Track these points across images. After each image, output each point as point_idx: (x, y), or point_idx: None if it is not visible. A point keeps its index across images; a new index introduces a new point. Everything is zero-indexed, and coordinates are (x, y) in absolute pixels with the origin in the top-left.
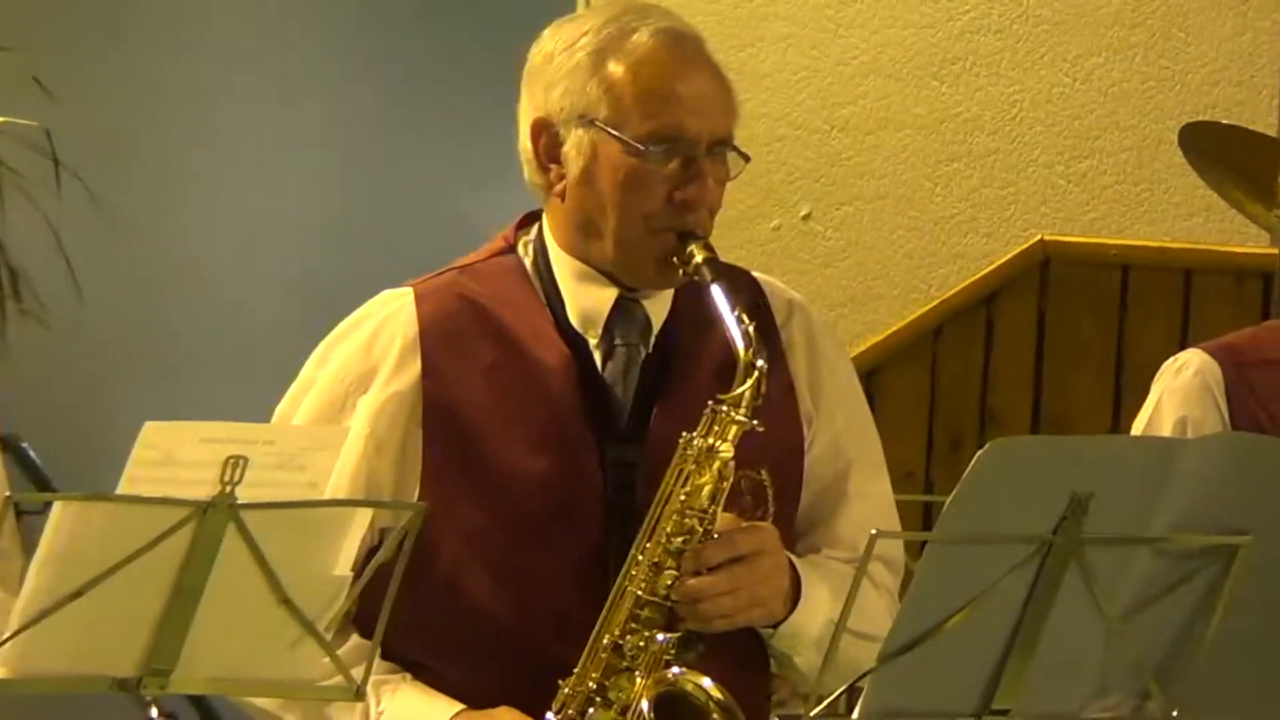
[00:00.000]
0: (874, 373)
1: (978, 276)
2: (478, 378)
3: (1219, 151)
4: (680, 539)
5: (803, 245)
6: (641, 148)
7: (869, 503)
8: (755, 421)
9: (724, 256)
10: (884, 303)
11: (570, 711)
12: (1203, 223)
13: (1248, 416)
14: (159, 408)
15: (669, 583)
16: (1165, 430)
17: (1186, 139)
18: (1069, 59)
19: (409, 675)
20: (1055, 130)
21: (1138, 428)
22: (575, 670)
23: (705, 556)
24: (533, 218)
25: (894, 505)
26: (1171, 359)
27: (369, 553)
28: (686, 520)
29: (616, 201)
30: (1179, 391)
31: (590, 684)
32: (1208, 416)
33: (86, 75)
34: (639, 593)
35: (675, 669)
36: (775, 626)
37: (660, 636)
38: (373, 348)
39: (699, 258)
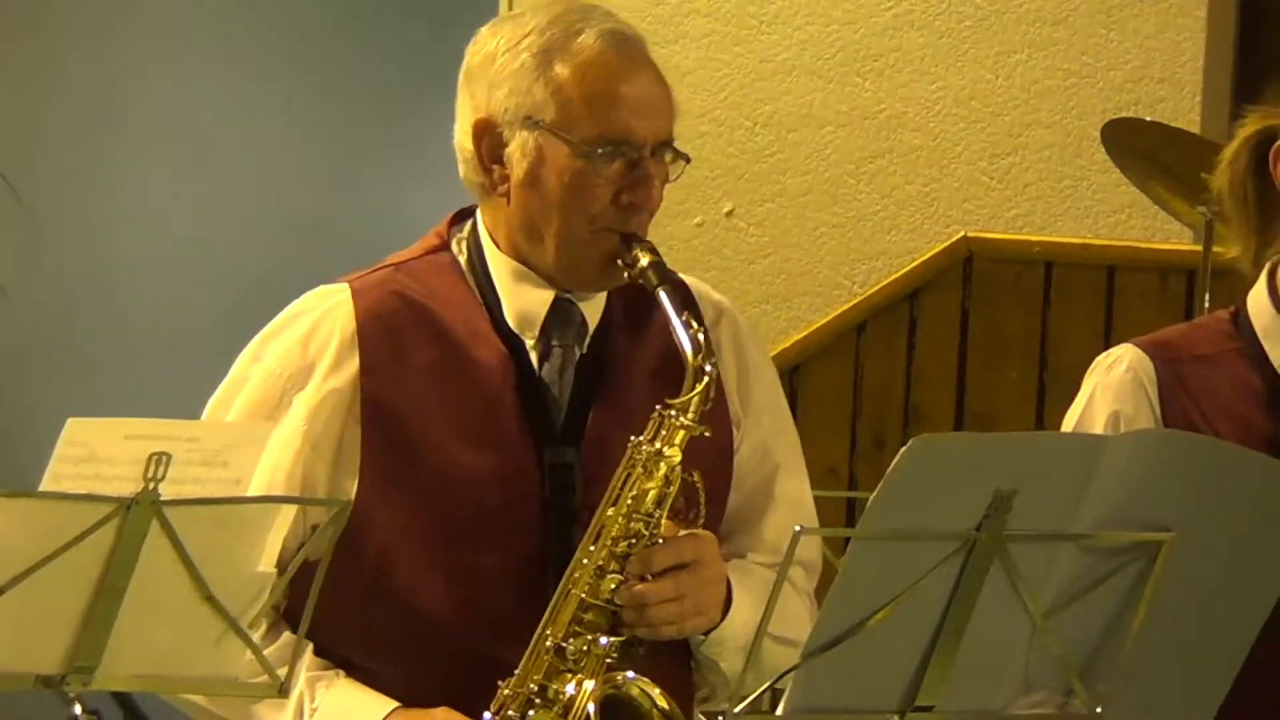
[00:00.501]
0: (797, 369)
1: (901, 273)
2: (416, 375)
3: (1142, 148)
4: (626, 543)
5: (725, 242)
6: (588, 150)
7: (794, 506)
8: (704, 427)
9: None
10: (807, 299)
11: (510, 712)
12: (1126, 220)
13: (1180, 413)
14: (82, 404)
15: (613, 586)
16: (1098, 426)
17: (1110, 136)
18: (992, 56)
19: (343, 672)
20: (978, 127)
21: (1069, 423)
22: (516, 671)
23: (651, 561)
24: (465, 214)
25: (814, 508)
26: (1104, 354)
27: (298, 549)
28: (632, 524)
29: (562, 203)
30: (1112, 387)
31: (532, 685)
32: (1140, 412)
33: (5, 71)
34: (583, 596)
35: (629, 674)
36: (706, 633)
37: (603, 640)
38: (309, 344)
39: (644, 261)
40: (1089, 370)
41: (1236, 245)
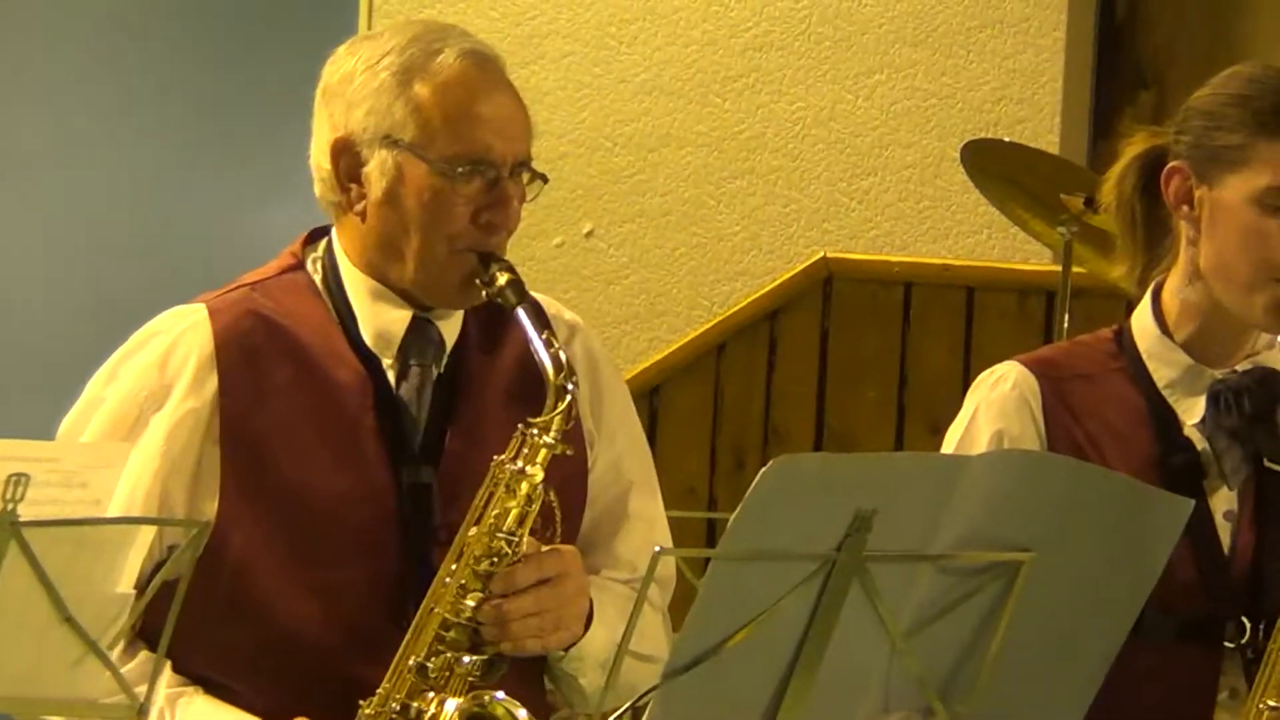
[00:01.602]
0: (657, 389)
1: (761, 293)
2: (274, 396)
3: (1001, 169)
4: (488, 562)
5: (585, 262)
6: (448, 169)
7: (648, 523)
8: (566, 445)
9: None
10: (667, 320)
11: None
12: (985, 240)
13: (1064, 432)
14: None
15: (475, 604)
16: (981, 443)
17: (969, 157)
18: (851, 76)
19: (201, 689)
20: (838, 148)
21: (951, 441)
22: (378, 690)
23: (514, 579)
24: (319, 233)
25: (668, 526)
26: (988, 371)
27: (156, 569)
28: (495, 543)
29: (420, 222)
30: (996, 404)
31: (394, 704)
32: (1024, 431)
33: None
34: (445, 614)
35: (498, 694)
36: (567, 649)
37: (466, 658)
38: (167, 364)
39: (502, 280)
40: (972, 387)
41: (1122, 265)
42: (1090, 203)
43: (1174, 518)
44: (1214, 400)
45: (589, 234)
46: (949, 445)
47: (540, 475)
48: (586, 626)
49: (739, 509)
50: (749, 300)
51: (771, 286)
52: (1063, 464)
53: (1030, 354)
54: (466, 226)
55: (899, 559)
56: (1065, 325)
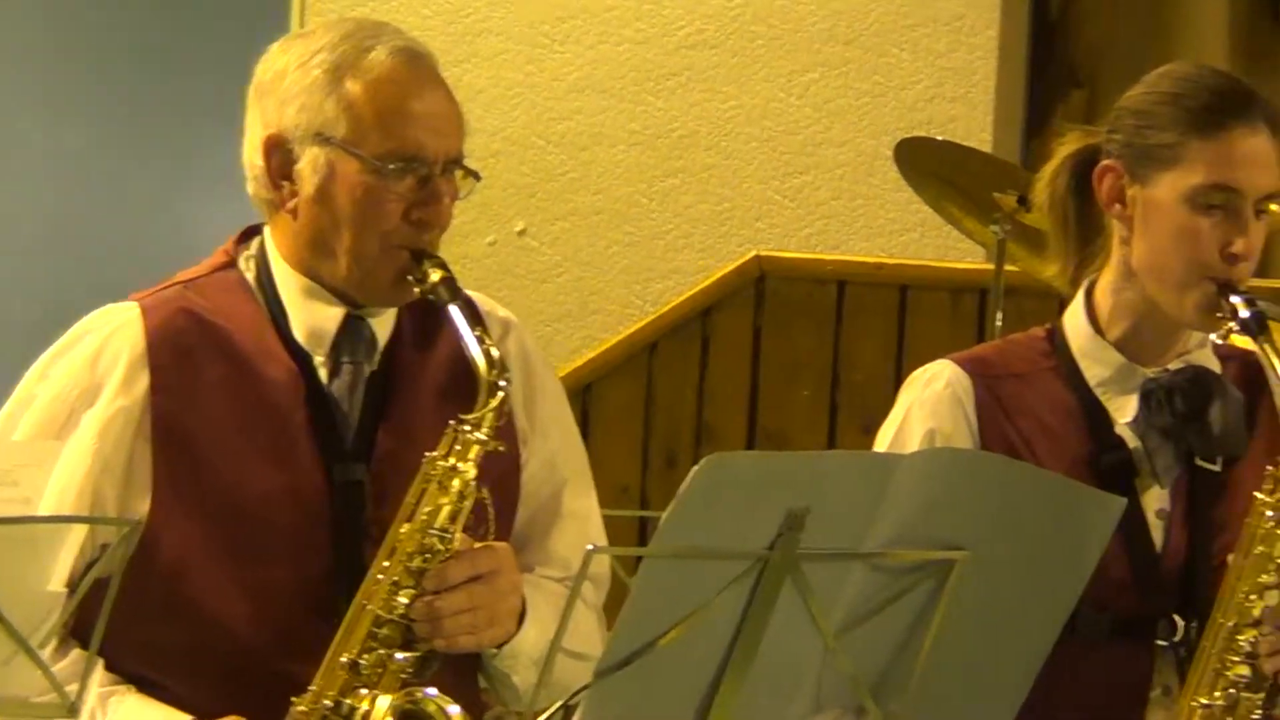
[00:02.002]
0: (589, 387)
1: (693, 292)
2: (206, 393)
3: (934, 167)
4: (420, 558)
5: (518, 260)
6: (379, 166)
7: (582, 521)
8: (498, 442)
9: None
10: (600, 318)
11: None
12: (918, 239)
13: (996, 430)
14: None
15: (407, 601)
16: (914, 442)
17: (902, 155)
18: (784, 74)
19: (134, 687)
20: (771, 146)
21: (884, 439)
22: (310, 687)
23: (446, 575)
24: (252, 232)
25: (602, 523)
26: (921, 369)
27: (88, 567)
28: (427, 540)
29: (352, 219)
30: (928, 403)
31: (326, 701)
32: (957, 429)
33: None
34: (378, 611)
35: (429, 690)
36: (500, 646)
37: (399, 655)
38: (98, 363)
39: (435, 277)
40: (905, 385)
41: (1054, 264)
42: (1023, 201)
43: (1106, 516)
44: (1146, 399)
45: (521, 232)
46: (881, 444)
47: (472, 472)
48: (519, 624)
49: (671, 507)
50: (682, 298)
51: (704, 285)
52: (995, 462)
53: (963, 353)
54: (398, 224)
55: (831, 557)
56: (998, 324)
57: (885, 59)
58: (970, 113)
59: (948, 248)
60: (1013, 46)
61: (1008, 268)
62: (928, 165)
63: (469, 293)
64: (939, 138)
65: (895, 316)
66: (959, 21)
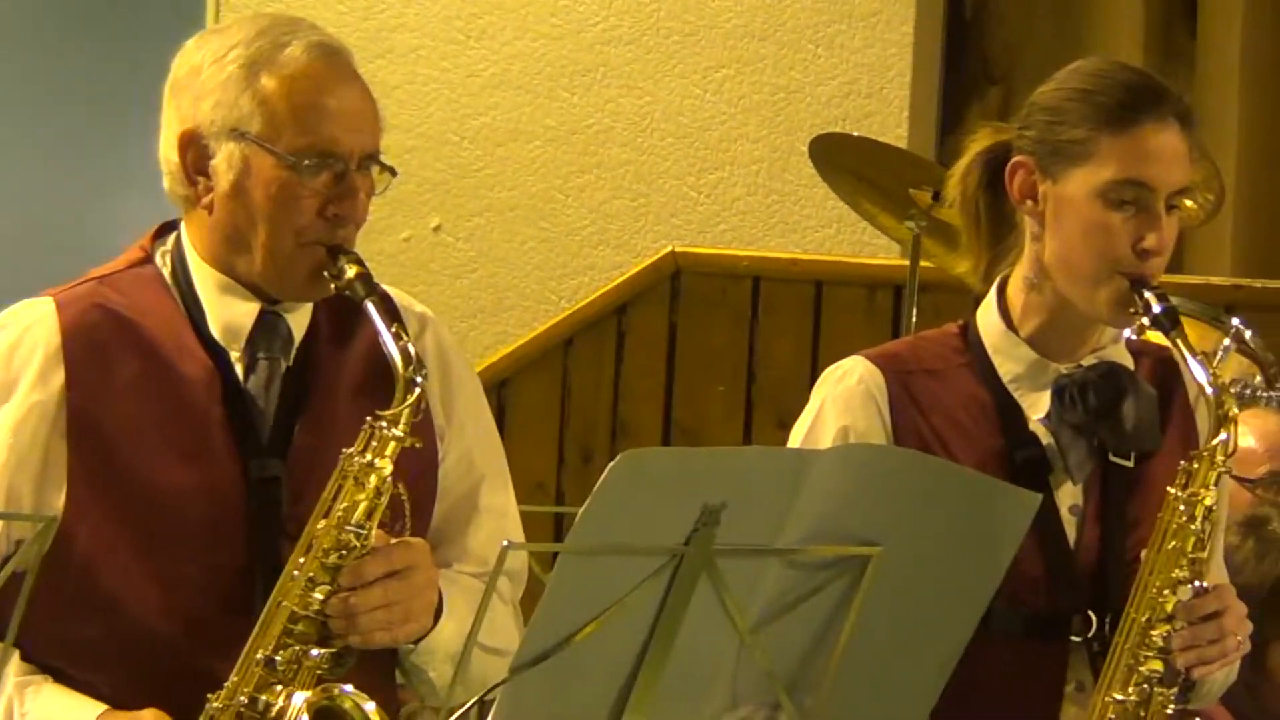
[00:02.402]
0: (505, 384)
1: (609, 287)
2: (121, 389)
3: (849, 163)
4: (336, 554)
5: (434, 257)
6: (294, 161)
7: (499, 517)
8: (415, 438)
9: None
10: (515, 314)
11: None
12: (834, 235)
13: (910, 426)
14: None
15: (323, 598)
16: (827, 438)
17: (817, 151)
18: (699, 71)
19: (50, 678)
20: (686, 142)
21: (797, 435)
22: (226, 684)
23: (362, 571)
24: (169, 227)
25: (519, 519)
26: (834, 366)
27: (3, 562)
28: (343, 536)
29: (267, 215)
30: (842, 399)
31: (242, 698)
32: (870, 425)
33: None
34: (293, 608)
35: (345, 687)
36: (416, 642)
37: (314, 651)
38: (13, 358)
39: (351, 273)
40: (819, 381)
41: (967, 261)
42: (939, 197)
43: (1022, 512)
44: (1059, 395)
45: (437, 228)
46: (795, 440)
47: (389, 468)
48: (436, 620)
49: (587, 503)
50: (597, 294)
51: (619, 281)
52: (911, 459)
53: (876, 349)
54: (314, 219)
55: (747, 553)
56: (913, 320)
57: (800, 55)
58: (885, 109)
59: (863, 244)
60: (928, 43)
61: (923, 263)
62: (843, 161)
63: (386, 288)
64: (854, 134)
65: (810, 312)
66: (874, 18)
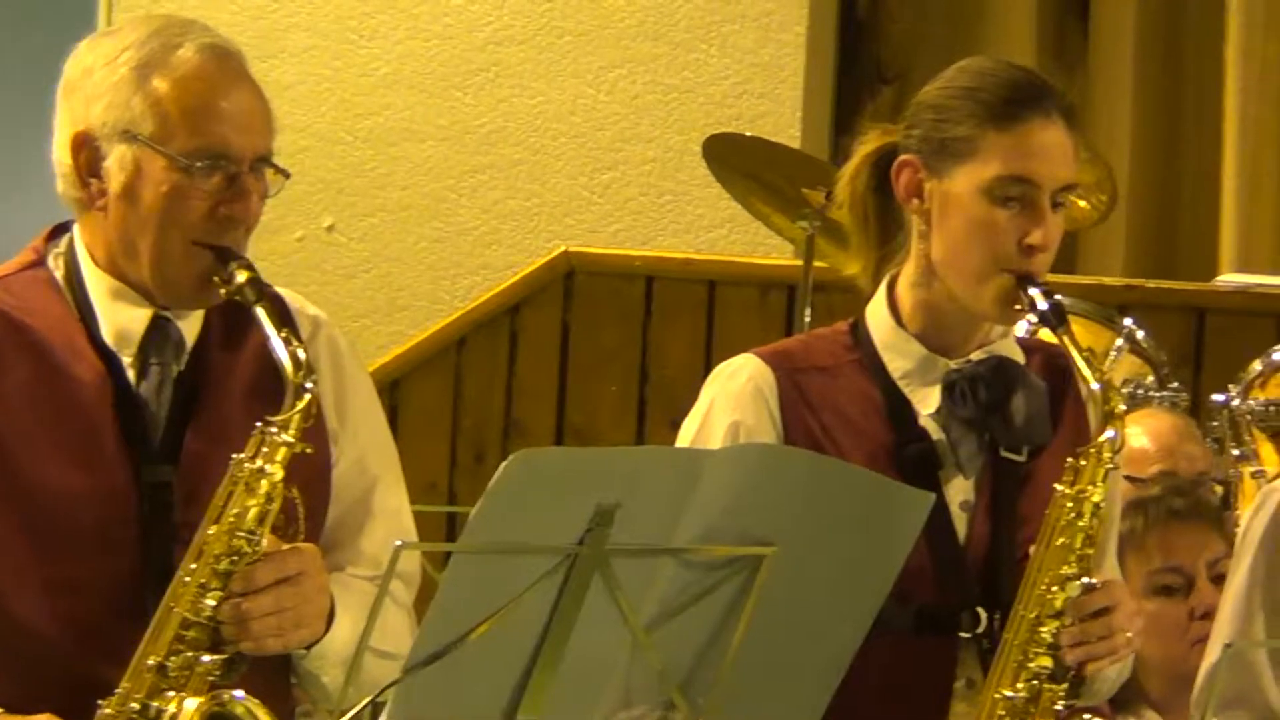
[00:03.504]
0: (397, 384)
1: (502, 287)
2: (12, 393)
3: (743, 164)
4: (228, 560)
5: (326, 256)
6: (186, 163)
7: (393, 519)
8: (305, 444)
9: None
10: (408, 314)
11: None
12: (727, 234)
13: (800, 424)
14: None
15: (215, 603)
16: (717, 436)
17: (711, 151)
18: (593, 70)
19: None
20: (579, 142)
21: (687, 433)
22: (118, 690)
23: (253, 578)
24: (62, 230)
25: (413, 521)
26: (724, 363)
27: None
28: (235, 542)
29: (158, 217)
30: (731, 397)
31: (133, 704)
32: (760, 423)
33: None
34: (185, 614)
35: (236, 693)
36: (309, 647)
37: (206, 657)
38: None
39: (241, 278)
40: (709, 379)
41: (856, 261)
42: (832, 197)
43: (915, 511)
44: (949, 390)
45: (330, 228)
46: (685, 438)
47: (280, 474)
48: (328, 625)
49: (480, 503)
50: (490, 294)
51: (512, 281)
52: (804, 458)
53: (767, 347)
54: (204, 221)
55: (641, 553)
56: (807, 319)
57: (694, 55)
58: (778, 109)
59: (756, 243)
60: (821, 43)
61: (816, 263)
62: (736, 161)
63: (278, 290)
64: (747, 134)
65: (704, 312)
66: (767, 18)
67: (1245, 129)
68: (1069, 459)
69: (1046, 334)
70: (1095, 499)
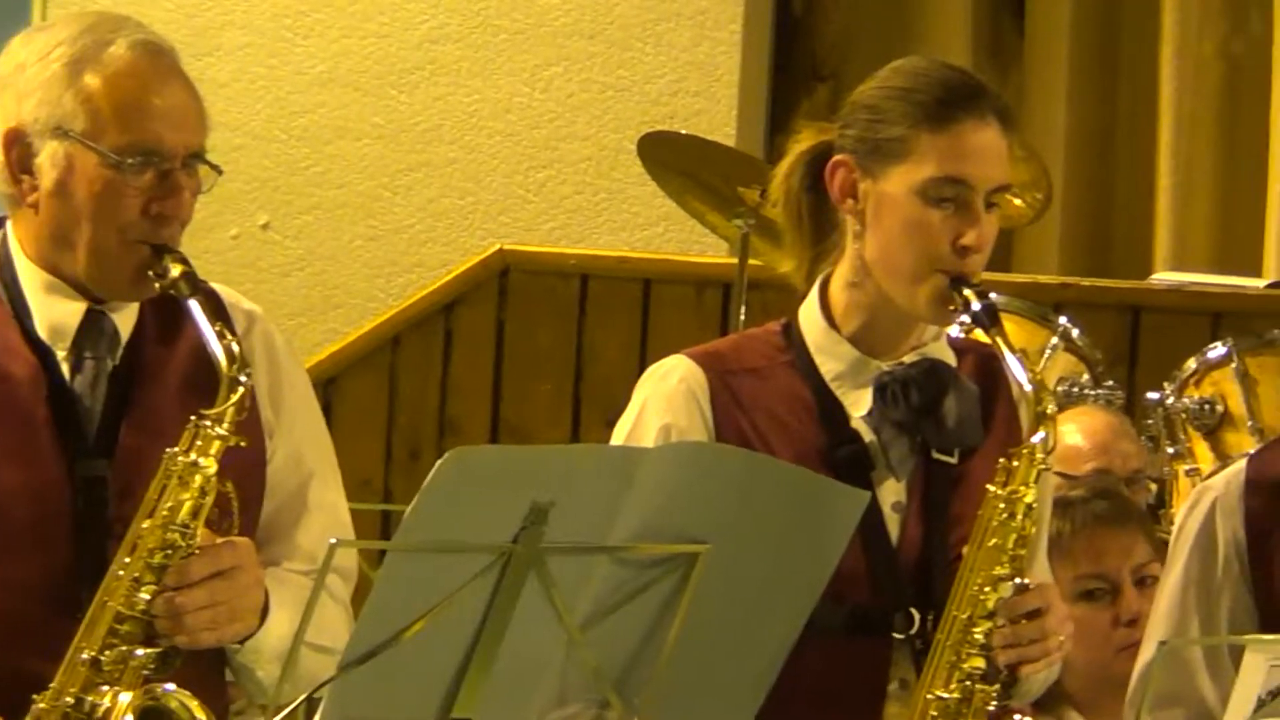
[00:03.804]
0: (332, 381)
1: (436, 285)
2: None
3: (678, 162)
4: (162, 554)
5: (261, 254)
6: (118, 159)
7: (328, 514)
8: (239, 437)
9: None
10: (342, 312)
11: None
12: (662, 233)
13: (732, 425)
14: None
15: (149, 597)
16: (649, 437)
17: (646, 149)
18: (528, 69)
19: None
20: (514, 140)
21: (620, 434)
22: (52, 685)
23: (187, 572)
24: None
25: (349, 516)
26: (656, 364)
27: None
28: (168, 535)
29: (91, 213)
30: (663, 398)
31: (68, 699)
32: (692, 424)
33: None
34: (119, 608)
35: (168, 686)
36: (243, 641)
37: (140, 651)
38: None
39: (175, 272)
40: (641, 380)
41: (790, 260)
42: (766, 195)
43: (850, 509)
44: (881, 392)
45: (265, 226)
46: (618, 438)
47: (213, 467)
48: (263, 619)
49: (415, 501)
50: (425, 292)
51: (447, 279)
52: (738, 456)
53: (699, 348)
54: (138, 218)
55: (575, 551)
56: (742, 318)
57: (629, 53)
58: (714, 107)
59: (691, 242)
60: (756, 41)
61: (751, 262)
62: (671, 160)
63: (215, 285)
64: (682, 132)
65: (639, 310)
66: (702, 16)
67: (1180, 127)
68: (1001, 460)
69: (980, 334)
70: (1028, 500)
